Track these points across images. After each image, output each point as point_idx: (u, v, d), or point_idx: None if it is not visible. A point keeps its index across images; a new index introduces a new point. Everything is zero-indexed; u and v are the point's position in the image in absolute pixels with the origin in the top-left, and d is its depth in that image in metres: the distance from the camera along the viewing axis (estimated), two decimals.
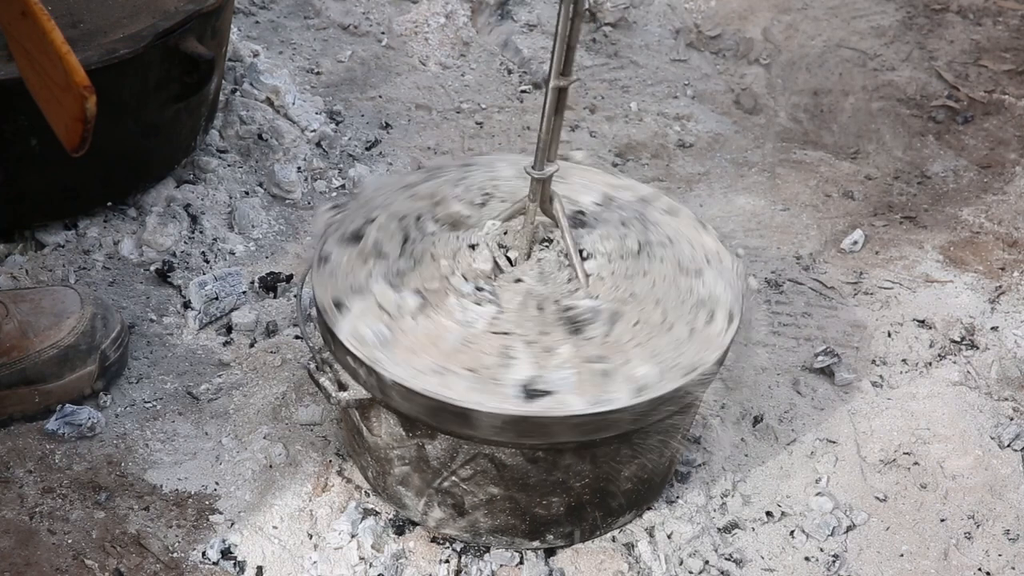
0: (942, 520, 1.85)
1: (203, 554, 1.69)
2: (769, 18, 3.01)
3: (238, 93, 2.44)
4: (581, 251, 1.67)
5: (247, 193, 2.29)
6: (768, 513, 1.83)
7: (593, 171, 1.88)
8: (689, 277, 1.68)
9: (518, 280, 1.63)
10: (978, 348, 2.13)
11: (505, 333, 1.57)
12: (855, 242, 2.35)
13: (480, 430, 1.52)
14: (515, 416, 1.49)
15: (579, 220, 1.74)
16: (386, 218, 1.71)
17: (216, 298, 2.04)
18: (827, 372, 2.05)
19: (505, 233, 1.68)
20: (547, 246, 1.68)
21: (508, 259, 1.65)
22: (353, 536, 1.71)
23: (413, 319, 1.58)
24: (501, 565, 1.71)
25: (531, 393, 1.50)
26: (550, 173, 1.62)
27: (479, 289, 1.61)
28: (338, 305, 1.61)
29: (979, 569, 1.80)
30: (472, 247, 1.66)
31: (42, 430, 1.82)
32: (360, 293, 1.62)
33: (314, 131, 2.44)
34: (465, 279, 1.62)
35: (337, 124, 2.50)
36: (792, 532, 1.81)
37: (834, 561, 1.78)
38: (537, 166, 1.60)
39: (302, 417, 1.87)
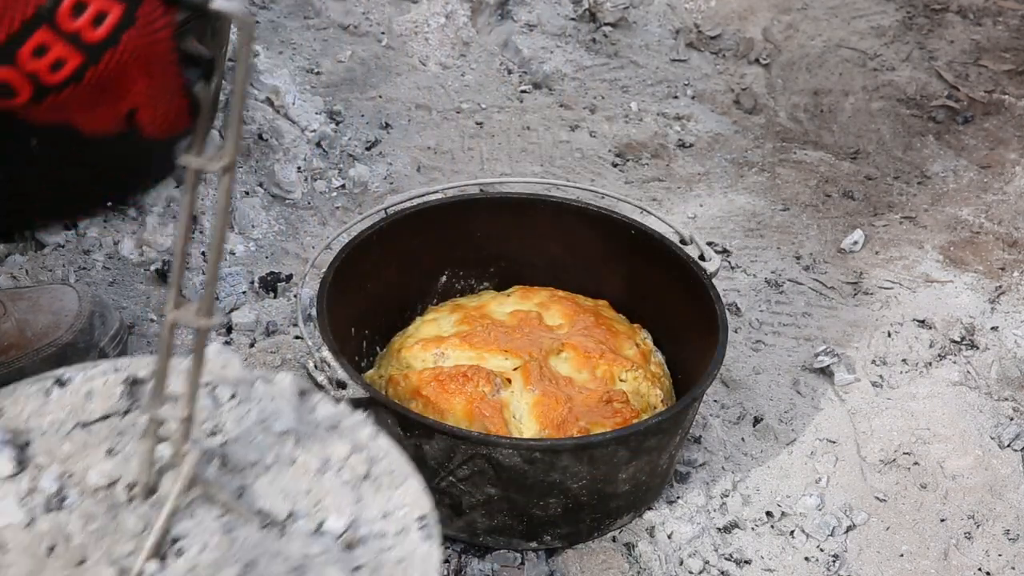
0: (942, 520, 1.85)
1: None
2: (769, 18, 3.01)
3: None
4: (176, 539, 1.13)
5: (247, 193, 2.29)
6: (768, 513, 1.82)
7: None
8: None
9: (71, 512, 1.14)
10: (978, 348, 2.12)
11: None
12: (855, 242, 2.35)
13: None
14: None
15: (261, 520, 1.14)
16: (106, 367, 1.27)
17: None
18: (827, 372, 2.05)
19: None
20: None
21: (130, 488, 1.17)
22: None
23: None
24: (502, 565, 1.71)
25: None
26: (156, 418, 1.13)
27: (57, 493, 1.15)
28: None
29: (979, 569, 1.79)
30: (110, 452, 1.19)
31: None
32: None
33: (314, 131, 2.44)
34: (60, 476, 1.15)
35: (337, 124, 2.50)
36: (792, 532, 1.80)
37: (834, 561, 1.77)
38: (149, 400, 1.14)
39: None
